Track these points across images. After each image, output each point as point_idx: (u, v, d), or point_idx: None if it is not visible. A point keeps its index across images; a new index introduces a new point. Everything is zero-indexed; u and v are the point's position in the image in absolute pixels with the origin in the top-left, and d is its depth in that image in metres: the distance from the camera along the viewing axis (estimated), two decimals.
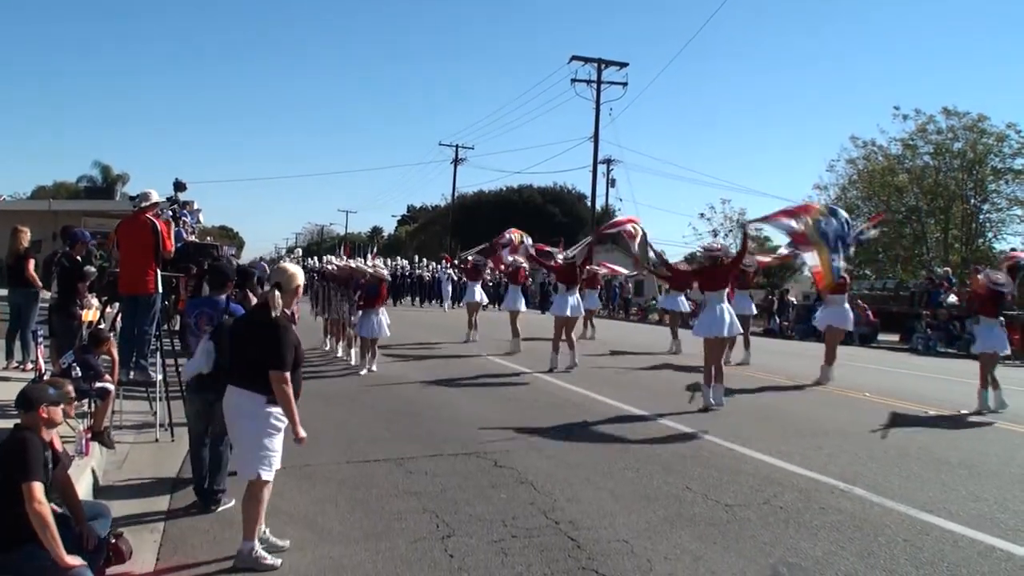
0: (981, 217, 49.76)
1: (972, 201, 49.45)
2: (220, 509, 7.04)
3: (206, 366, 6.78)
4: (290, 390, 5.83)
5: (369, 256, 48.52)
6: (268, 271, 17.72)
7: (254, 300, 8.35)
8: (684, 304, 23.32)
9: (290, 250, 68.31)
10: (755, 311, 21.62)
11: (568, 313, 17.37)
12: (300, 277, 6.30)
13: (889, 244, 52.08)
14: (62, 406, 5.47)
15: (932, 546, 6.54)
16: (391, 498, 7.54)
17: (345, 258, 21.93)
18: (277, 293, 5.98)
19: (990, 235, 50.37)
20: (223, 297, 7.58)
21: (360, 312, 16.55)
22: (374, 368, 16.25)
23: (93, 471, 7.75)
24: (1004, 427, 12.02)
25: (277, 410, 5.89)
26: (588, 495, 7.73)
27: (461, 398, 13.28)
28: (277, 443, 5.98)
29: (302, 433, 5.92)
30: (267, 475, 5.89)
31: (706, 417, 11.82)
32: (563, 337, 17.53)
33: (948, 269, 35.22)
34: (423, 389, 14.18)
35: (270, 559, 5.78)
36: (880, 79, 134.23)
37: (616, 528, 6.77)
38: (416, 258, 51.68)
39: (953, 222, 49.80)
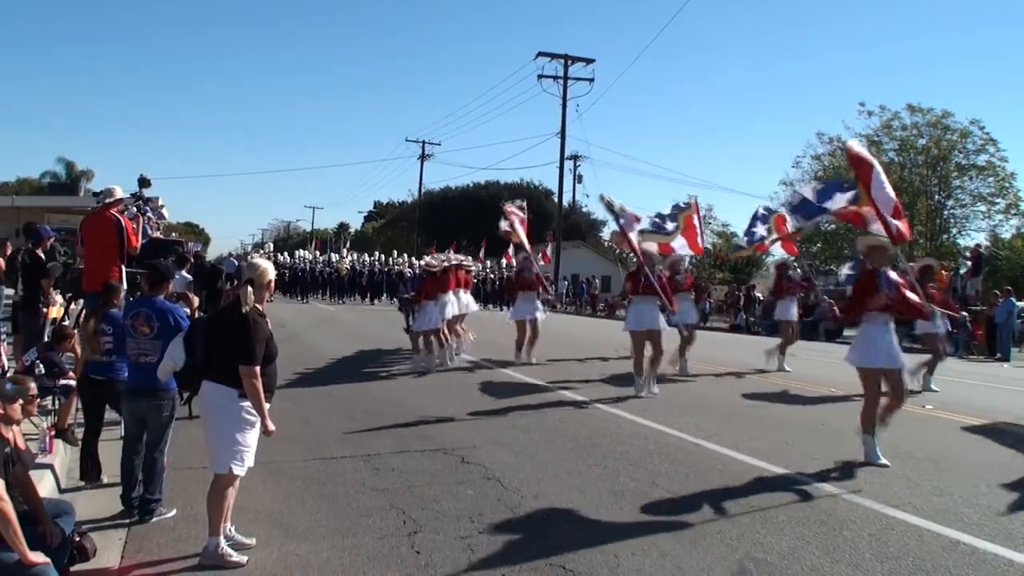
0: (945, 213, 50.37)
1: (936, 197, 50.01)
2: (155, 520, 6.77)
3: (179, 363, 6.63)
4: (259, 384, 5.78)
5: (344, 250, 47.47)
6: (236, 266, 17.55)
7: (195, 299, 8.24)
8: (795, 313, 19.34)
9: (260, 245, 67.66)
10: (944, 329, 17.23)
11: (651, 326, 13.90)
12: (271, 272, 6.25)
13: (855, 240, 52.45)
14: (20, 402, 5.41)
15: (897, 540, 6.59)
16: (358, 495, 7.52)
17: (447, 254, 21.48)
18: (249, 288, 5.96)
19: (954, 231, 51.03)
20: (160, 297, 7.36)
21: (417, 305, 16.84)
22: (448, 361, 16.99)
23: (57, 468, 7.69)
24: (969, 422, 12.12)
25: (249, 404, 5.85)
26: (555, 491, 7.74)
27: (429, 395, 13.24)
28: (250, 438, 5.94)
29: (271, 426, 5.90)
30: (238, 469, 5.86)
31: (673, 414, 11.82)
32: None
33: (913, 265, 35.45)
34: (391, 386, 14.16)
35: (236, 556, 5.75)
36: (852, 75, 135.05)
37: (583, 524, 6.79)
38: (396, 253, 49.87)
39: (918, 218, 50.24)
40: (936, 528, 6.90)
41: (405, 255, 49.12)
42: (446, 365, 16.88)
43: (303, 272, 45.36)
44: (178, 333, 6.94)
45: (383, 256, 49.04)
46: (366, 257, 48.64)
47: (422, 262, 18.26)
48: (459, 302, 18.55)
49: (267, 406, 5.92)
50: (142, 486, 6.93)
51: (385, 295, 45.92)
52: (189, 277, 14.71)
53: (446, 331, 17.26)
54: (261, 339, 5.90)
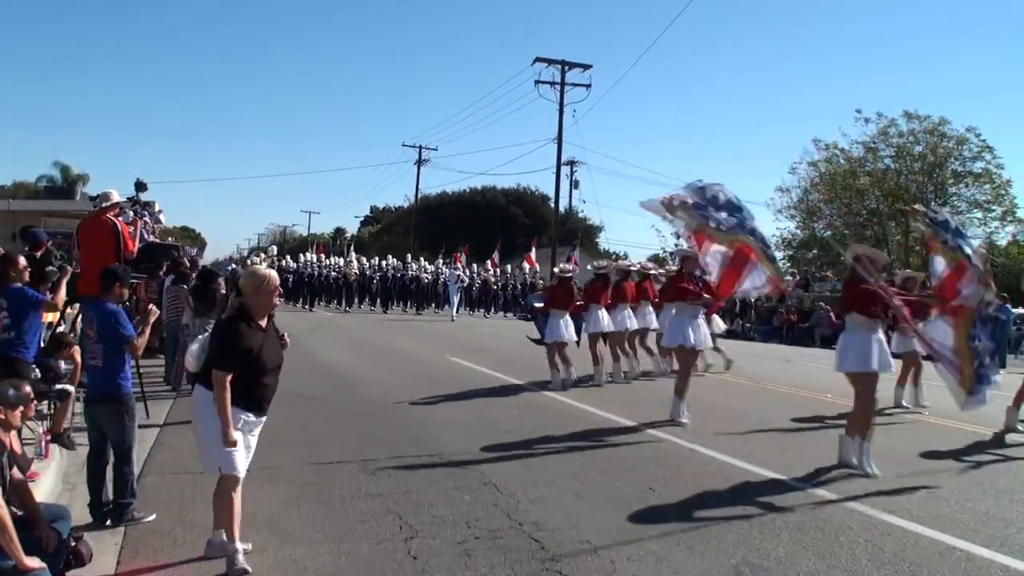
0: None
1: (933, 204, 50.02)
2: (129, 524, 6.66)
3: (195, 366, 6.53)
4: (223, 390, 5.63)
5: (352, 254, 46.43)
6: (232, 271, 17.32)
7: (154, 313, 8.08)
8: None
9: (263, 249, 66.30)
10: None
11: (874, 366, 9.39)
12: (259, 278, 6.00)
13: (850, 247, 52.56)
14: (20, 408, 5.40)
15: (893, 546, 6.59)
16: (354, 500, 7.51)
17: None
18: (234, 295, 5.97)
19: None
20: (109, 302, 7.11)
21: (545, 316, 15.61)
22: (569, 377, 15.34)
23: (52, 473, 7.68)
24: (964, 428, 12.14)
25: (239, 409, 5.76)
26: (552, 497, 7.74)
27: (425, 399, 13.24)
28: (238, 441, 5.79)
29: (231, 436, 5.64)
30: (227, 470, 5.77)
31: (669, 420, 11.82)
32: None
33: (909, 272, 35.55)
34: (387, 392, 14.13)
35: (241, 561, 5.67)
36: (851, 76, 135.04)
37: (580, 529, 6.78)
38: (409, 257, 47.03)
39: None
40: (932, 534, 6.91)
41: (421, 259, 47.55)
42: (562, 386, 15.05)
43: (310, 278, 42.90)
44: (119, 339, 6.91)
45: (397, 260, 45.99)
46: (376, 261, 45.84)
47: (556, 268, 17.15)
48: (623, 317, 16.45)
49: (263, 417, 5.91)
50: (113, 492, 6.83)
51: (399, 302, 43.89)
52: (184, 286, 14.67)
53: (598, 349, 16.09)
54: (238, 346, 5.74)
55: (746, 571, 5.99)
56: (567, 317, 15.37)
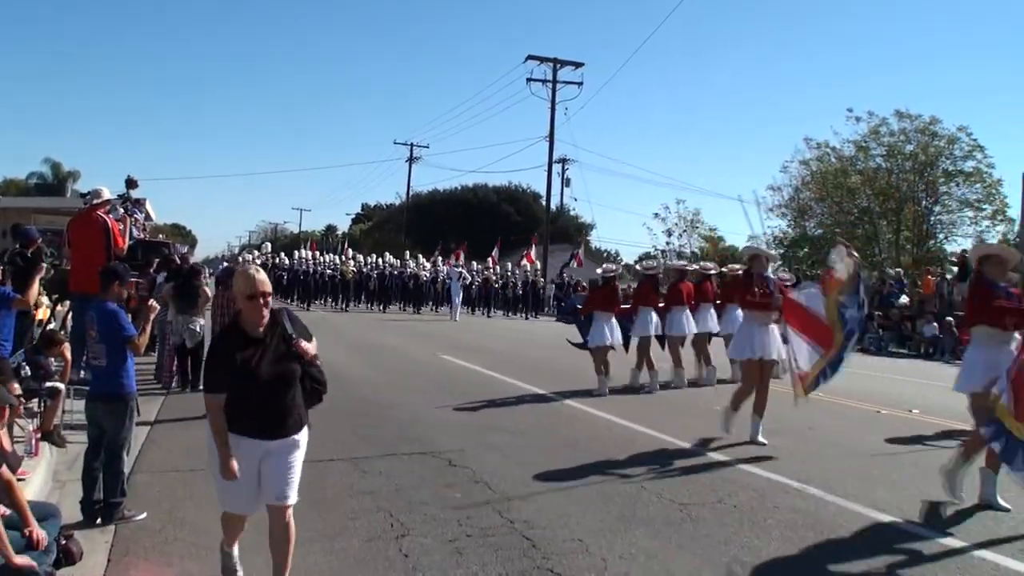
0: (932, 219, 50.54)
1: (923, 203, 50.18)
2: (120, 522, 6.58)
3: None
4: (213, 413, 4.94)
5: (348, 251, 45.90)
6: (224, 270, 17.21)
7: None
8: None
9: (255, 247, 64.79)
10: None
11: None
12: (244, 281, 5.05)
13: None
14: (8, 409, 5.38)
15: (885, 544, 6.60)
16: (345, 498, 7.51)
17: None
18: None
19: (941, 237, 51.20)
20: (108, 301, 6.98)
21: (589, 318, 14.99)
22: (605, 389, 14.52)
23: (43, 471, 7.66)
24: (953, 427, 12.15)
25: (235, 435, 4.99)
26: (543, 494, 7.75)
27: (416, 398, 13.22)
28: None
29: (230, 467, 4.86)
30: (223, 507, 5.26)
31: (661, 418, 11.83)
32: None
33: (900, 270, 35.70)
34: (379, 389, 14.14)
35: (235, 563, 5.54)
36: (851, 76, 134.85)
37: (571, 527, 6.78)
38: (407, 255, 46.11)
39: (905, 223, 50.49)
40: (923, 532, 6.93)
41: (419, 256, 46.72)
42: (602, 391, 14.41)
43: (305, 275, 41.05)
44: (120, 338, 6.88)
45: (395, 258, 44.56)
46: (373, 259, 44.22)
47: (599, 269, 16.06)
48: (681, 320, 15.80)
49: (278, 440, 5.12)
50: (103, 491, 6.77)
51: (399, 302, 42.53)
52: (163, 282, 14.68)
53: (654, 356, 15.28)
54: (213, 361, 5.19)
55: (737, 568, 6.00)
56: (612, 321, 14.83)
